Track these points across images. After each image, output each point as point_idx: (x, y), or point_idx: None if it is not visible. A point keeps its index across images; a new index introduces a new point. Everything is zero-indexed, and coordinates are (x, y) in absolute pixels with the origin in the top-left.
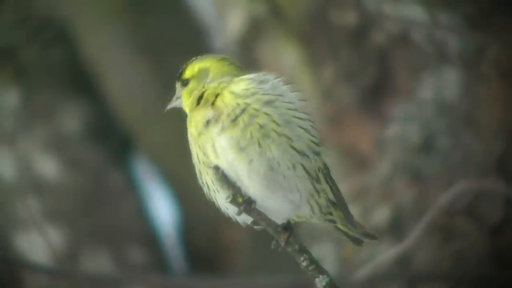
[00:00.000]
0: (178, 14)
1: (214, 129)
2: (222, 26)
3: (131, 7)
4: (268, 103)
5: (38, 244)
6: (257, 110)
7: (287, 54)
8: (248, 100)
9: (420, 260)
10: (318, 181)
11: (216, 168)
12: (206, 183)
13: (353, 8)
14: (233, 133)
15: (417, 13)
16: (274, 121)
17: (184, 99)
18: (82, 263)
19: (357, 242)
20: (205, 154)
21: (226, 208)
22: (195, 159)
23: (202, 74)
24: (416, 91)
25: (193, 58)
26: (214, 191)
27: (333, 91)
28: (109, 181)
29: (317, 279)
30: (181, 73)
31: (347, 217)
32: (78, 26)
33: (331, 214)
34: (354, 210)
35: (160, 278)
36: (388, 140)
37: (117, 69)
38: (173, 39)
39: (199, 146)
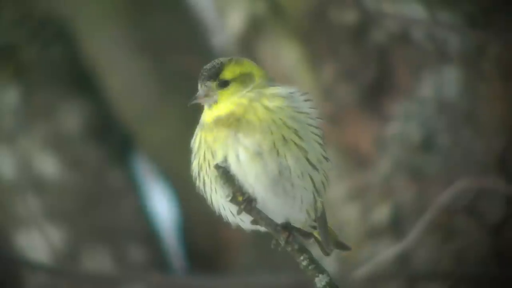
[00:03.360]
0: (178, 12)
1: (238, 135)
2: (222, 25)
3: (131, 6)
4: (293, 118)
5: (38, 243)
6: (284, 123)
7: (287, 52)
8: (279, 115)
9: (420, 259)
10: (319, 194)
11: (218, 167)
12: (204, 181)
13: (353, 6)
14: (255, 140)
15: (417, 11)
16: (297, 135)
17: (221, 99)
18: (82, 262)
19: (326, 252)
20: (213, 155)
21: (223, 208)
22: (200, 158)
23: (245, 79)
24: (416, 90)
25: (228, 59)
26: (212, 189)
27: (333, 90)
28: (109, 180)
29: (316, 279)
30: (218, 73)
31: (324, 234)
32: (78, 24)
33: (315, 221)
34: (354, 208)
35: (160, 276)
36: (388, 139)
37: (117, 67)
38: (173, 38)
39: (210, 147)
